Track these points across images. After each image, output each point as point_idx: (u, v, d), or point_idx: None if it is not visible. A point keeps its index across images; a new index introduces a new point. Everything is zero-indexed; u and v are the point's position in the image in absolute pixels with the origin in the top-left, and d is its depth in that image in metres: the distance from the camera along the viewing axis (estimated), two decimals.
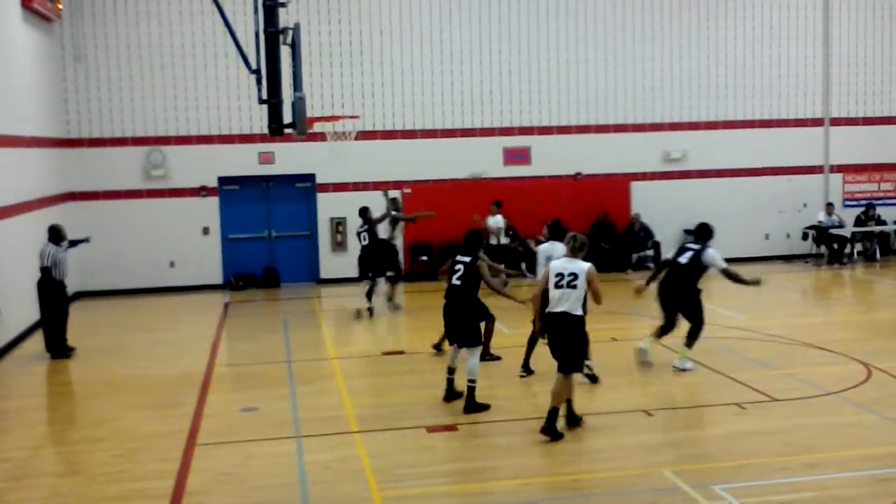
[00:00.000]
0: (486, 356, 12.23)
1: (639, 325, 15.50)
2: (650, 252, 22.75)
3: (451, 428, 9.85)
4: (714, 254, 12.12)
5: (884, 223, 23.79)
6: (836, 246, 22.67)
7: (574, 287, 9.23)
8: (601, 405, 10.49)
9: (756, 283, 11.99)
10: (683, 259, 12.20)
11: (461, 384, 10.58)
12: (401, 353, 14.03)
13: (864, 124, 23.98)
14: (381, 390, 11.87)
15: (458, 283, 10.64)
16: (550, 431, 9.17)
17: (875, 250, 23.50)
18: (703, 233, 12.47)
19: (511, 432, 9.58)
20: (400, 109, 21.92)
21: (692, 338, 12.20)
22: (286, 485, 8.28)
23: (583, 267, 9.30)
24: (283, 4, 13.81)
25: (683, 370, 12.12)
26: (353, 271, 21.39)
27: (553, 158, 22.55)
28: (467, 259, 10.72)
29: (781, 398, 10.69)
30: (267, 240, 21.87)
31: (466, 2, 22.04)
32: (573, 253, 9.49)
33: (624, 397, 10.98)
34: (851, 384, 11.22)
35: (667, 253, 22.58)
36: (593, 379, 11.40)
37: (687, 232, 22.84)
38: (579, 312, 9.31)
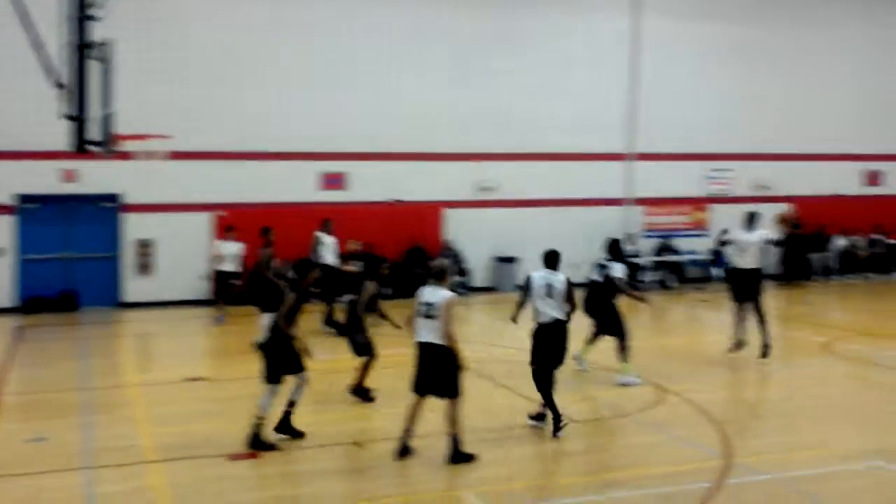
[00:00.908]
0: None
1: None
2: (462, 278, 23.12)
3: (254, 455, 9.63)
4: (619, 269, 13.21)
5: (679, 253, 25.13)
6: (635, 274, 23.75)
7: (432, 317, 9.19)
8: (419, 427, 10.51)
9: (641, 299, 13.98)
10: (599, 276, 13.33)
11: (297, 419, 10.23)
12: (204, 379, 13.63)
13: (663, 160, 25.29)
14: (182, 418, 11.42)
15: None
16: (459, 457, 9.19)
17: (671, 279, 24.77)
18: (614, 249, 13.57)
19: (315, 458, 9.46)
20: (217, 130, 21.38)
21: (623, 350, 13.02)
22: None
23: (444, 297, 9.24)
24: (92, 18, 13.25)
25: (633, 384, 12.71)
26: (159, 295, 20.85)
27: (370, 184, 22.63)
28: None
29: (581, 419, 11.04)
30: (66, 261, 20.84)
31: (284, 19, 21.87)
32: (433, 281, 9.46)
33: (435, 420, 11.04)
34: (645, 406, 11.72)
35: (476, 280, 23.18)
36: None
37: (498, 259, 23.44)
38: (442, 341, 9.21)
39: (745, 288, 14.49)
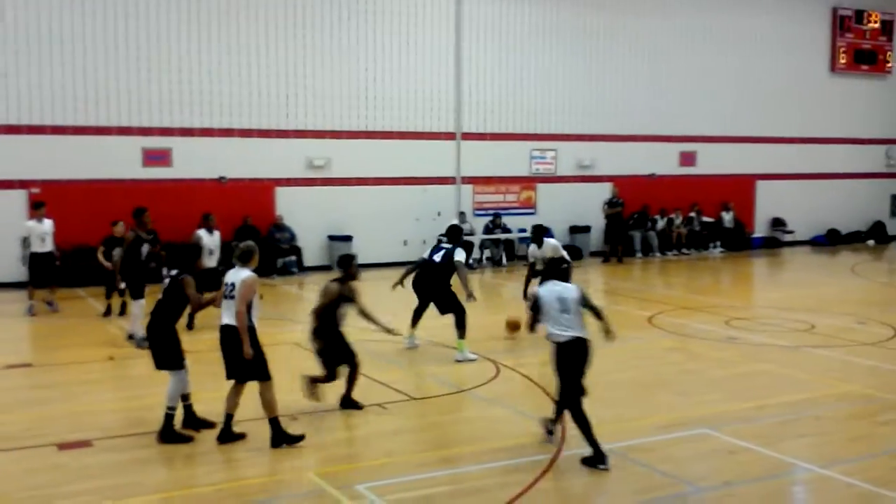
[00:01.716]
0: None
1: (283, 330, 15.50)
2: (293, 257, 22.89)
3: (86, 444, 9.24)
4: (461, 252, 13.49)
5: (509, 231, 25.72)
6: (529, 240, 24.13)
7: (233, 297, 8.95)
8: (244, 412, 10.32)
9: (472, 297, 13.42)
10: (438, 257, 13.47)
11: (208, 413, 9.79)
12: (28, 365, 12.97)
13: (491, 139, 25.78)
14: (7, 406, 10.82)
15: (161, 298, 9.60)
16: (282, 438, 9.08)
17: (502, 256, 25.33)
18: (453, 233, 13.90)
19: (151, 445, 9.16)
20: (26, 103, 20.33)
21: (461, 328, 13.22)
22: None
23: (241, 276, 9.00)
24: None
25: (469, 360, 12.93)
26: None
27: (196, 161, 22.01)
28: (175, 273, 9.67)
29: (419, 396, 11.17)
30: None
31: None
32: (237, 262, 9.18)
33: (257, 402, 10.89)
34: (482, 381, 11.96)
35: (309, 259, 22.98)
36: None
37: (331, 238, 23.32)
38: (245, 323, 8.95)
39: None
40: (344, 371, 10.50)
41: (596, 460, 8.53)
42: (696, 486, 8.19)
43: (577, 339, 8.92)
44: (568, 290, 9.09)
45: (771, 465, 7.69)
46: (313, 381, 10.41)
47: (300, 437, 9.18)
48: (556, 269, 9.31)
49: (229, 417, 9.19)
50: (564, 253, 14.71)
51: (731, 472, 8.34)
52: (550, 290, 9.06)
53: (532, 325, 9.26)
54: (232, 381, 9.28)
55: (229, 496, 7.87)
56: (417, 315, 13.91)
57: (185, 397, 9.70)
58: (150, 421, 9.78)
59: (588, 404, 10.82)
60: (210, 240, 16.07)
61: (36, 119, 20.43)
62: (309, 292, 21.02)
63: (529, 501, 7.78)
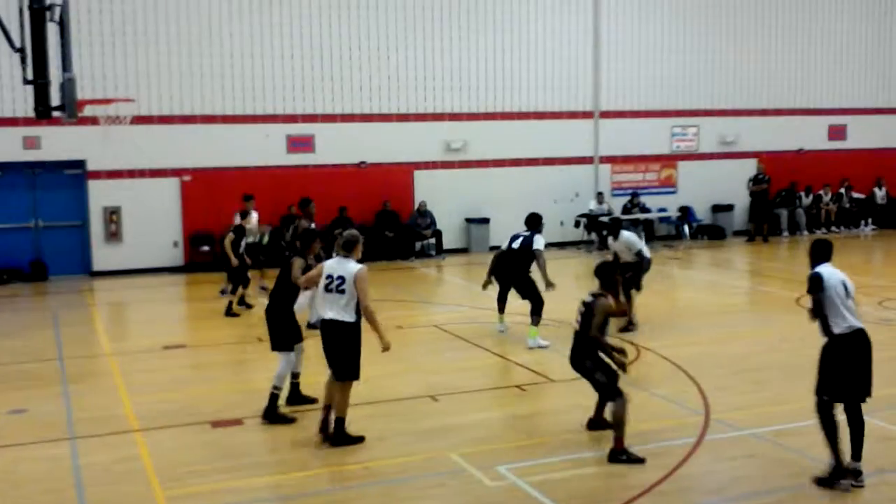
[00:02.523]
0: None
1: (423, 313, 15.73)
2: (433, 241, 23.14)
3: (237, 422, 9.62)
4: (540, 240, 13.23)
5: (648, 210, 25.29)
6: (605, 233, 23.84)
7: (343, 292, 8.51)
8: (387, 393, 10.56)
9: (550, 284, 12.91)
10: (516, 245, 13.28)
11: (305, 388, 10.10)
12: (182, 346, 13.59)
13: (630, 117, 25.36)
14: (162, 386, 11.37)
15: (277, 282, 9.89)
16: (341, 439, 8.66)
17: (641, 236, 24.91)
18: (533, 221, 13.63)
19: (297, 426, 9.45)
20: (178, 93, 21.17)
21: (535, 315, 12.99)
22: (61, 489, 7.83)
23: (351, 270, 8.51)
24: None
25: (540, 347, 12.70)
26: (129, 262, 20.67)
27: (337, 147, 22.48)
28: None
29: (557, 379, 11.13)
30: (33, 230, 20.57)
31: None
32: (341, 252, 8.73)
33: (409, 384, 11.11)
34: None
35: (447, 242, 23.18)
36: None
37: (468, 221, 23.46)
38: (350, 319, 8.52)
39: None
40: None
41: (836, 476, 7.59)
42: None
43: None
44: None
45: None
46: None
47: (360, 439, 8.77)
48: (821, 250, 8.03)
49: (341, 421, 8.74)
50: (643, 247, 14.17)
51: (885, 460, 8.01)
52: (832, 274, 7.88)
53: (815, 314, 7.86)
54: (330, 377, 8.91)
55: (374, 473, 8.06)
56: (501, 300, 13.72)
57: (294, 375, 9.98)
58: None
59: (736, 388, 10.65)
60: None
61: (187, 109, 21.25)
62: (447, 275, 21.25)
63: (673, 485, 7.68)
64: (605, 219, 23.91)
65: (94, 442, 9.09)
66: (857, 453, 7.62)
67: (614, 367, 8.58)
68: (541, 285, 13.06)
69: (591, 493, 7.64)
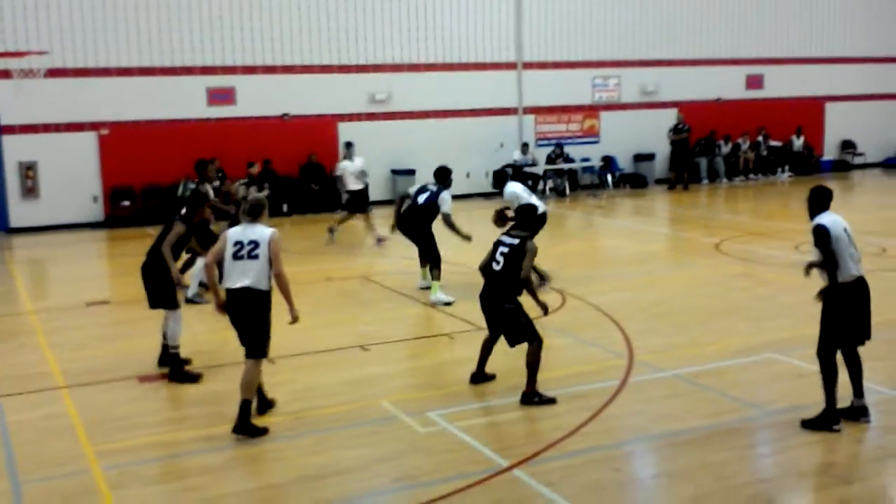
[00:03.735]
0: None
1: (351, 265, 15.73)
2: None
3: (164, 377, 9.55)
4: (447, 197, 12.78)
5: (571, 161, 25.56)
6: (530, 182, 24.05)
7: (255, 258, 7.86)
8: (318, 344, 10.60)
9: (467, 238, 12.68)
10: (421, 199, 12.84)
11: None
12: (105, 302, 13.41)
13: (552, 68, 25.49)
14: (87, 343, 11.23)
15: (155, 240, 9.68)
16: (247, 429, 7.82)
17: (565, 186, 25.21)
18: (441, 175, 13.12)
19: (229, 378, 9.41)
20: (93, 45, 20.63)
21: (436, 269, 12.68)
22: None
23: (265, 234, 7.92)
24: None
25: (443, 303, 12.42)
26: (48, 219, 20.22)
27: (259, 99, 22.19)
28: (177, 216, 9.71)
29: (485, 327, 11.24)
30: None
31: None
32: (247, 218, 8.06)
33: (341, 334, 11.16)
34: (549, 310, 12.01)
35: (374, 194, 23.10)
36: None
37: (394, 172, 23.43)
38: (265, 287, 7.91)
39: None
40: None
41: (830, 421, 7.61)
42: (764, 409, 8.23)
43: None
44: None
45: (841, 389, 7.67)
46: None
47: (265, 430, 7.90)
48: (821, 198, 7.85)
49: (246, 404, 7.93)
50: (531, 200, 12.60)
51: (800, 396, 8.34)
52: (836, 222, 7.71)
53: (815, 266, 7.74)
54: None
55: (306, 423, 8.11)
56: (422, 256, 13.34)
57: (165, 336, 9.66)
58: (227, 353, 10.03)
59: (657, 330, 10.94)
60: (353, 166, 18.30)
61: (102, 61, 20.72)
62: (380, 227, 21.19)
63: (599, 426, 7.90)
64: (529, 169, 24.14)
65: (19, 400, 8.97)
66: (859, 391, 7.73)
67: (538, 307, 8.67)
68: (453, 239, 12.83)
69: (520, 435, 7.82)
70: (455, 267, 13.52)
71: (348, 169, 18.37)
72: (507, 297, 8.62)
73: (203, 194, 10.83)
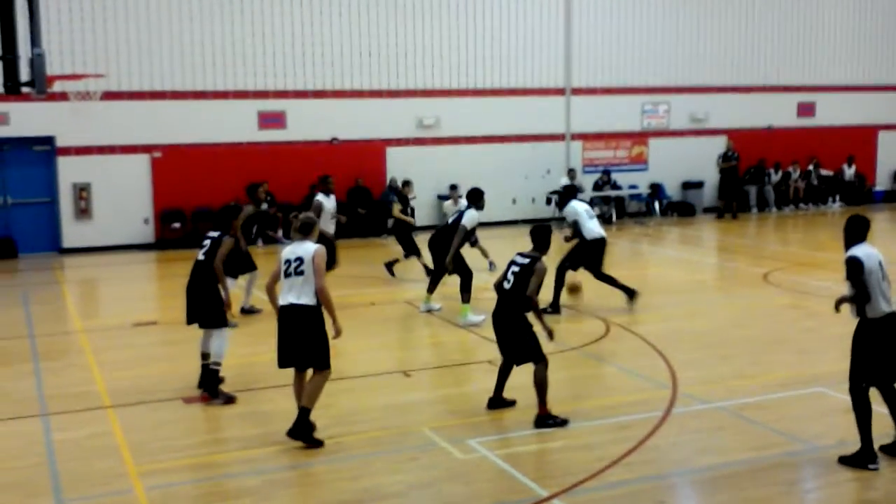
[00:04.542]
0: None
1: (396, 290, 15.79)
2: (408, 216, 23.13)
3: (209, 398, 9.64)
4: (471, 214, 12.88)
5: (619, 188, 25.45)
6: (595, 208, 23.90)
7: (301, 274, 8.05)
8: (361, 368, 10.64)
9: (448, 265, 12.85)
10: (451, 219, 13.07)
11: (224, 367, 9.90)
12: (153, 323, 13.59)
13: (601, 94, 25.46)
14: (134, 363, 11.39)
15: (202, 258, 9.77)
16: (303, 434, 8.04)
17: (612, 214, 25.10)
18: (472, 196, 13.26)
19: (271, 399, 9.51)
20: (148, 69, 21.01)
21: (465, 291, 12.84)
22: (34, 465, 7.86)
23: (309, 250, 8.11)
24: None
25: (473, 325, 12.53)
26: (99, 240, 20.55)
27: (309, 123, 22.43)
28: (215, 234, 9.86)
29: None
30: (2, 207, 20.41)
31: None
32: (297, 235, 8.28)
33: (383, 359, 11.20)
34: (592, 339, 11.98)
35: (420, 219, 23.22)
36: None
37: (440, 198, 23.49)
38: (312, 302, 8.03)
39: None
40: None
41: (865, 459, 7.46)
42: (810, 444, 8.10)
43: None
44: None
45: (888, 425, 7.53)
46: None
47: (321, 443, 8.11)
48: (857, 228, 7.72)
49: (305, 412, 8.10)
50: (585, 223, 13.38)
51: (847, 432, 8.17)
52: (870, 255, 7.54)
53: (846, 301, 7.58)
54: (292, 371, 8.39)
55: (345, 447, 8.14)
56: (435, 280, 13.50)
57: (204, 356, 9.74)
58: (268, 376, 10.09)
59: (703, 362, 10.82)
60: (329, 203, 14.73)
61: (157, 85, 21.11)
62: (421, 251, 21.26)
63: (641, 457, 7.82)
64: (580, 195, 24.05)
65: (66, 418, 9.11)
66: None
67: (543, 331, 8.66)
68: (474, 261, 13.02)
69: (560, 465, 7.77)
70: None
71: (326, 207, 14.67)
72: (516, 315, 8.67)
73: (234, 207, 10.83)
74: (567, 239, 13.67)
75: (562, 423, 8.54)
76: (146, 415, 9.23)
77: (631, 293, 13.61)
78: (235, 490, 7.41)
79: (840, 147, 28.14)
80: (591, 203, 24.75)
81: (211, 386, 9.58)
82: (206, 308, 9.69)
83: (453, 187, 19.92)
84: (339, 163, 22.57)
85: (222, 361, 9.60)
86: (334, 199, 15.00)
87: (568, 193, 14.07)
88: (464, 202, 14.46)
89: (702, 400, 9.34)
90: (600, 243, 13.51)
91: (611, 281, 13.68)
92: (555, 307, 13.35)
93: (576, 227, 13.47)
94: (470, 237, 13.30)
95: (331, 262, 13.30)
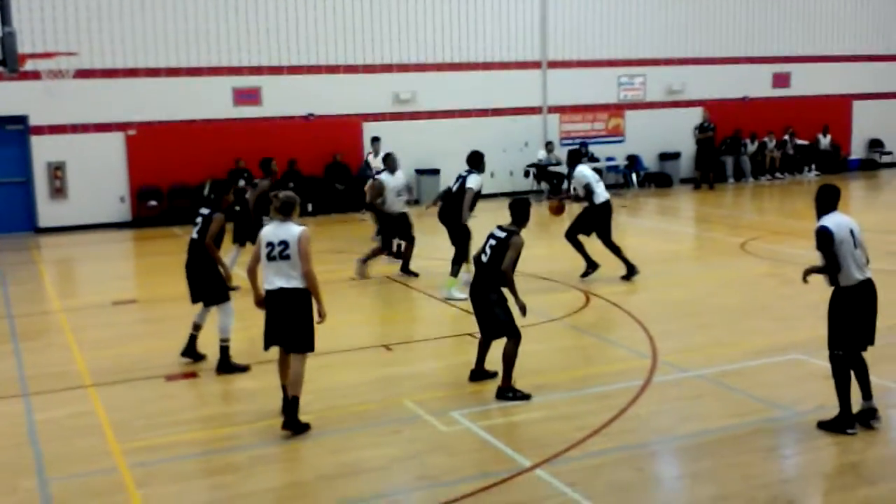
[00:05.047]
0: None
1: (375, 264, 15.76)
2: None
3: (191, 375, 9.66)
4: (475, 178, 12.78)
5: (596, 160, 25.48)
6: (555, 182, 24.02)
7: (287, 258, 7.85)
8: (342, 343, 10.65)
9: (463, 224, 12.92)
10: (455, 186, 12.92)
11: (205, 345, 10.03)
12: (132, 301, 13.54)
13: (577, 67, 25.44)
14: (115, 341, 11.34)
15: (195, 236, 9.79)
16: (296, 426, 7.87)
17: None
18: (473, 159, 13.04)
19: (253, 376, 9.52)
20: (121, 46, 20.80)
21: (456, 264, 12.81)
22: (16, 445, 7.83)
23: (294, 233, 7.88)
24: None
25: (454, 299, 12.47)
26: (75, 219, 20.40)
27: (284, 99, 22.29)
28: (206, 211, 9.84)
29: None
30: None
31: None
32: (278, 216, 8.02)
33: (363, 334, 11.22)
34: (572, 310, 12.05)
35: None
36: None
37: (418, 172, 23.46)
38: (301, 284, 7.87)
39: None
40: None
41: (844, 424, 7.55)
42: (790, 409, 8.20)
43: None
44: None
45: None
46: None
47: (307, 426, 7.96)
48: (828, 197, 7.76)
49: (295, 401, 7.91)
50: (595, 188, 13.68)
51: (826, 397, 8.27)
52: (840, 224, 7.57)
53: (815, 272, 7.65)
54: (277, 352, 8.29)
55: (328, 422, 8.16)
56: (458, 259, 13.20)
57: (195, 326, 9.93)
58: (253, 353, 10.06)
59: (682, 330, 10.91)
60: (394, 181, 14.27)
61: (130, 62, 20.90)
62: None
63: (622, 426, 7.89)
64: (554, 168, 24.10)
65: (47, 398, 9.08)
66: (867, 393, 7.63)
67: (516, 306, 8.68)
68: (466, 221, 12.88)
69: (543, 435, 7.81)
70: None
71: (389, 185, 14.30)
72: (491, 288, 8.70)
73: (225, 182, 10.78)
74: (577, 199, 13.76)
75: (523, 397, 8.56)
76: (128, 393, 9.21)
77: (631, 269, 13.72)
78: (220, 466, 7.42)
79: (815, 117, 28.30)
80: (569, 175, 24.89)
81: (225, 364, 9.62)
82: (205, 286, 9.75)
83: (375, 139, 19.71)
84: (315, 139, 22.49)
85: (229, 336, 9.65)
86: (401, 176, 14.62)
87: (574, 158, 14.25)
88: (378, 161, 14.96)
89: (681, 368, 9.42)
90: (608, 207, 13.83)
91: (617, 251, 13.80)
92: (592, 265, 13.74)
93: (588, 191, 13.58)
94: (476, 200, 13.05)
95: (403, 236, 14.23)
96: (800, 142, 28.06)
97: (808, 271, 7.71)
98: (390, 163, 14.51)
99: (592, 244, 13.98)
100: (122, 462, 7.39)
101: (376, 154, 18.74)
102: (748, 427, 7.82)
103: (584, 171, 13.85)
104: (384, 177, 14.26)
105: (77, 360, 10.41)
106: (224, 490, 6.93)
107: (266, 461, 7.49)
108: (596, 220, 13.70)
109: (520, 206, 8.97)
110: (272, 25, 22.05)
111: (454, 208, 12.93)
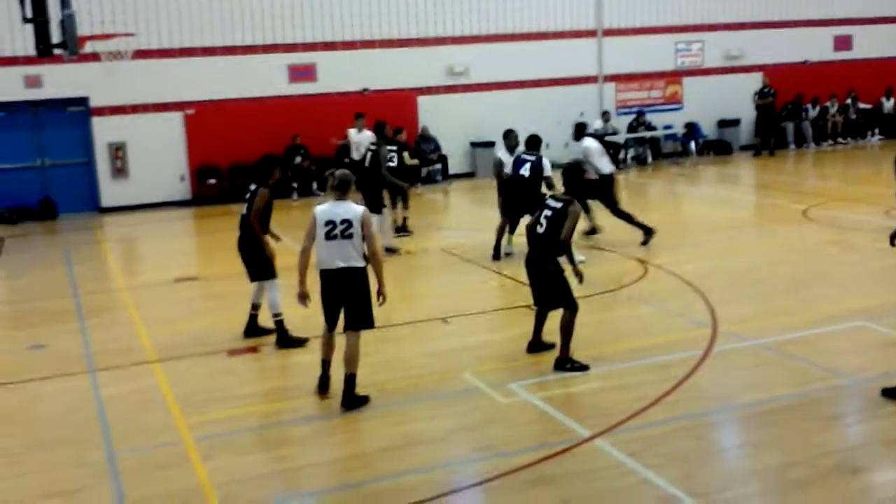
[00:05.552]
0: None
1: (431, 238, 15.81)
2: (439, 165, 23.12)
3: (253, 350, 9.80)
4: (547, 163, 12.92)
5: (654, 129, 25.19)
6: (611, 152, 23.71)
7: (350, 237, 7.80)
8: (398, 317, 10.71)
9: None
10: (525, 171, 12.82)
11: (263, 320, 10.14)
12: (194, 279, 13.75)
13: (633, 34, 25.10)
14: (177, 317, 11.56)
15: (245, 212, 9.84)
16: (355, 401, 7.89)
17: (647, 155, 24.89)
18: (535, 142, 13.22)
19: (312, 350, 9.60)
20: (177, 26, 21.01)
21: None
22: (85, 420, 8.02)
23: (357, 212, 7.85)
24: None
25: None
26: (137, 198, 20.74)
27: (339, 75, 22.35)
28: (253, 187, 9.84)
29: None
30: (40, 169, 20.64)
31: None
32: (335, 194, 7.96)
33: (421, 308, 11.27)
34: (630, 280, 11.96)
35: (453, 167, 23.18)
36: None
37: (473, 145, 23.40)
38: (362, 264, 7.89)
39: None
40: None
41: None
42: (852, 378, 8.06)
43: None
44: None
45: None
46: None
47: (367, 399, 8.02)
48: None
49: (352, 378, 7.95)
50: (598, 162, 14.04)
51: (890, 365, 8.14)
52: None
53: None
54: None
55: (388, 395, 8.22)
56: (513, 225, 13.42)
57: (254, 306, 10.04)
58: (311, 327, 10.15)
59: (742, 299, 10.78)
60: (507, 158, 13.84)
61: (187, 42, 21.10)
62: (455, 199, 21.31)
63: (682, 396, 7.84)
64: (610, 138, 23.86)
65: (113, 374, 9.28)
66: None
67: (573, 274, 8.63)
68: None
69: (602, 406, 7.79)
70: None
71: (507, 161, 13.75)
72: (549, 259, 8.65)
73: (275, 158, 10.72)
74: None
75: (581, 367, 8.53)
76: (191, 368, 9.37)
77: (648, 231, 13.77)
78: (282, 438, 7.53)
79: (878, 79, 27.57)
80: (626, 144, 24.68)
81: (283, 338, 9.75)
82: (253, 261, 9.87)
83: (359, 115, 19.26)
84: (370, 114, 22.45)
85: (281, 310, 9.75)
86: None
87: (580, 131, 14.60)
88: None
89: (742, 337, 9.31)
90: (611, 179, 14.09)
91: (627, 218, 13.89)
92: (647, 231, 13.89)
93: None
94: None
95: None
96: (862, 105, 27.41)
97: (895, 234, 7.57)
98: (512, 140, 14.09)
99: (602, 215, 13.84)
100: (186, 436, 7.53)
101: (360, 130, 18.54)
102: (811, 395, 7.72)
103: (588, 142, 14.28)
104: (502, 154, 14.03)
105: (141, 336, 10.61)
106: (286, 462, 7.04)
107: (326, 433, 7.58)
108: (599, 191, 13.89)
109: (572, 173, 8.90)
110: (325, 1, 22.09)
111: (532, 191, 12.67)
